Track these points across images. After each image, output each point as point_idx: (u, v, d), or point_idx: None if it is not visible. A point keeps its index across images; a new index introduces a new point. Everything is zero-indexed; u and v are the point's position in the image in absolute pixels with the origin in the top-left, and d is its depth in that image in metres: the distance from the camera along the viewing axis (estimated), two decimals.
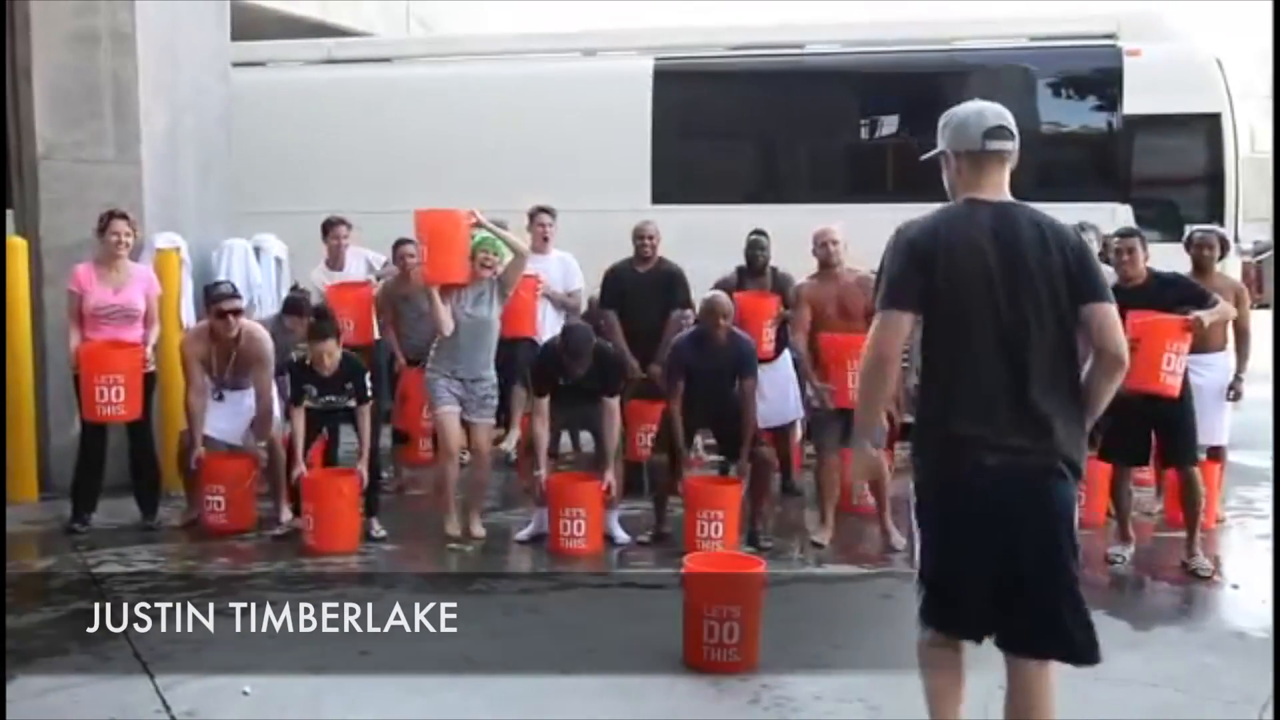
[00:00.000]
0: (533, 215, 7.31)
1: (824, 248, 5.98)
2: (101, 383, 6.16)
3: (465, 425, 6.39)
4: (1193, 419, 5.70)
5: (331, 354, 6.16)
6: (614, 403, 6.17)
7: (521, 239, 6.80)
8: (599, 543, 6.07)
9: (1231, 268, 9.48)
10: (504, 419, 7.25)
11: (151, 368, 6.46)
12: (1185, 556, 5.73)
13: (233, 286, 6.57)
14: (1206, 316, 5.48)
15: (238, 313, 6.36)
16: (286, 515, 6.45)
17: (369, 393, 6.28)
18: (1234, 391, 6.39)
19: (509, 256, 6.27)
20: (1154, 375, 5.43)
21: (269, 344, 6.45)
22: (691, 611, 4.39)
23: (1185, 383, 5.58)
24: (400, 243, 7.43)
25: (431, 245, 6.04)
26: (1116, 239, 5.81)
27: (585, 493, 6.04)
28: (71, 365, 6.35)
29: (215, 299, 6.36)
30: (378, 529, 6.31)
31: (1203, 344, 5.89)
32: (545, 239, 7.24)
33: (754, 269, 7.20)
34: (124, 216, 6.41)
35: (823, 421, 6.18)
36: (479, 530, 6.32)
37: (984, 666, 4.33)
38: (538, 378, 6.19)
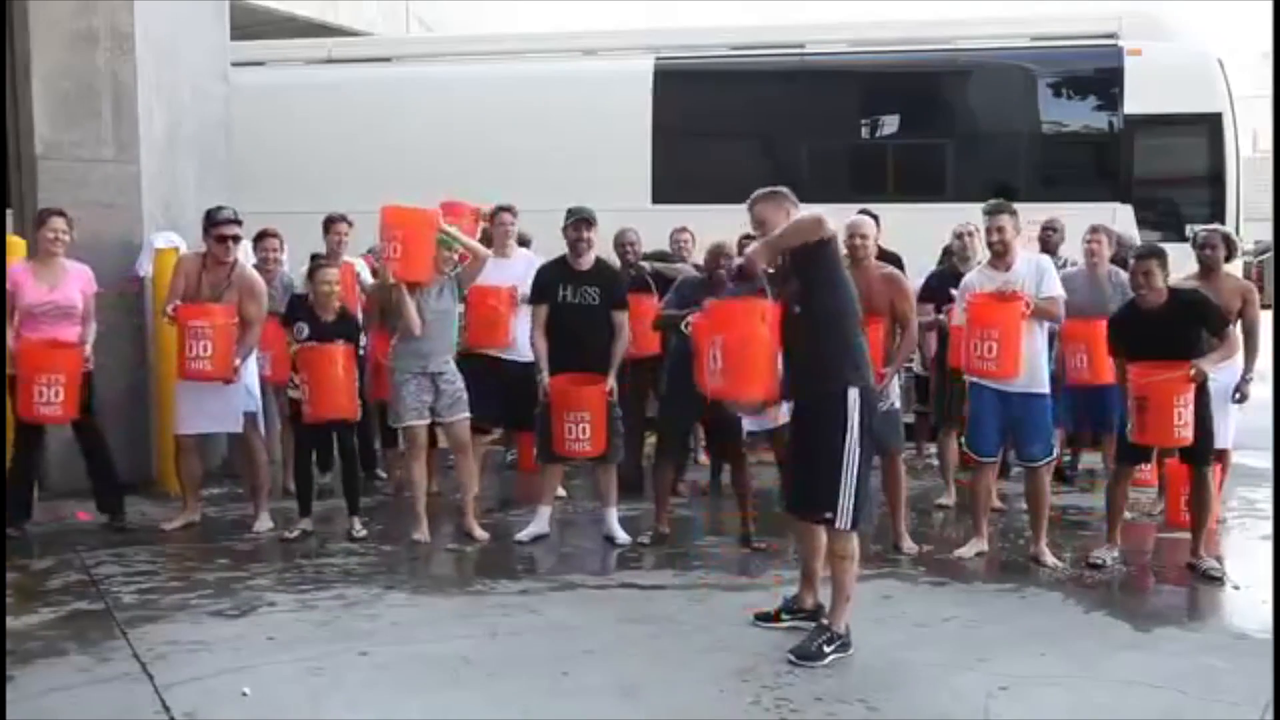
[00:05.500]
0: (493, 214, 7.18)
1: (852, 239, 5.95)
2: (41, 382, 6.05)
3: (438, 427, 6.38)
4: (1211, 419, 5.66)
5: (333, 286, 6.25)
6: (622, 317, 6.20)
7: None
8: (602, 444, 6.08)
9: (1232, 269, 9.49)
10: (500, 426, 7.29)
11: (89, 367, 6.33)
12: (1192, 557, 5.72)
13: (234, 212, 6.47)
14: (1208, 365, 5.44)
15: (237, 239, 6.37)
16: (265, 523, 6.42)
17: (361, 342, 6.39)
18: (1239, 394, 6.34)
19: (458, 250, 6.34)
20: (1168, 433, 5.50)
21: (261, 283, 6.48)
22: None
23: (1203, 384, 5.54)
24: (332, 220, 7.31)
25: (407, 243, 6.02)
26: (1133, 260, 5.67)
27: (589, 396, 6.05)
28: (9, 365, 6.17)
29: (215, 223, 6.32)
30: (358, 528, 6.32)
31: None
32: (508, 237, 7.11)
33: (746, 271, 7.15)
34: (61, 214, 6.31)
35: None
36: (479, 533, 6.32)
37: (984, 666, 4.35)
38: (539, 285, 6.24)
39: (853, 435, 4.36)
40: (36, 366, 6.09)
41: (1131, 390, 5.55)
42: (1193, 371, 5.38)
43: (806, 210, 4.49)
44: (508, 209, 7.12)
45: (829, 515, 4.41)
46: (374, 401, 7.21)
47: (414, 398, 6.19)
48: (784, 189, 4.59)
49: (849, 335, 4.46)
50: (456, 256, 6.35)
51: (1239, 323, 6.24)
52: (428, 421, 6.27)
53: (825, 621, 4.51)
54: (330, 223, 7.58)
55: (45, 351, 6.15)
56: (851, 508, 4.38)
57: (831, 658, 4.39)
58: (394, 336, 6.30)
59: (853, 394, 4.37)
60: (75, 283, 6.34)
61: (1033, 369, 5.72)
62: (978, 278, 5.93)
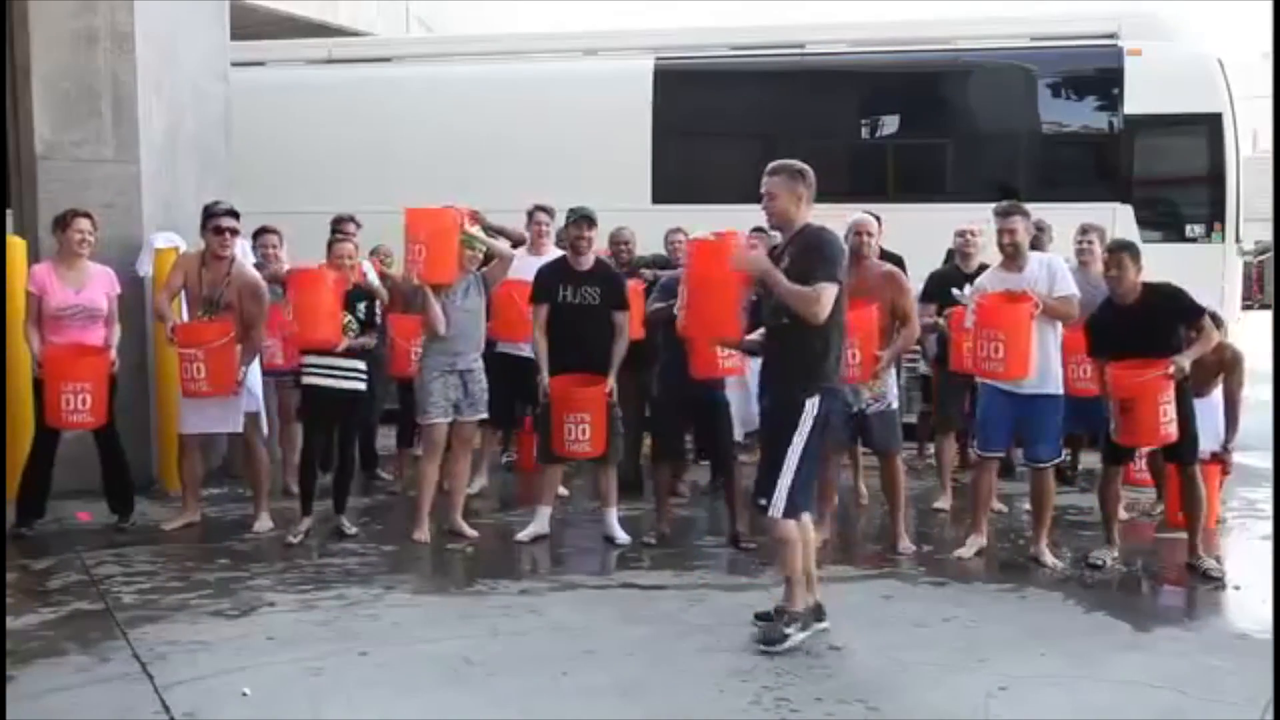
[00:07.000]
0: (530, 214, 7.30)
1: (857, 236, 5.94)
2: (68, 390, 6.03)
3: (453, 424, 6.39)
4: (1193, 419, 5.68)
5: (345, 260, 6.24)
6: (622, 318, 6.21)
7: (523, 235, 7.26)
8: (602, 445, 6.08)
9: (1232, 270, 9.50)
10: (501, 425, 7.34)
11: (114, 370, 6.30)
12: (1190, 557, 5.72)
13: (231, 206, 6.46)
14: (1186, 360, 5.44)
15: (234, 232, 6.35)
16: (265, 523, 6.40)
17: (377, 319, 6.39)
18: (1224, 466, 6.38)
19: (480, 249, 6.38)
20: (1153, 432, 5.52)
21: (262, 282, 6.46)
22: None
23: (1183, 382, 5.56)
24: (261, 231, 7.24)
25: (431, 245, 6.04)
26: (1105, 253, 5.72)
27: (589, 397, 6.05)
28: (35, 369, 6.19)
29: (213, 214, 6.31)
30: (348, 526, 6.34)
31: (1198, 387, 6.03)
32: (541, 236, 7.23)
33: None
34: (87, 215, 6.30)
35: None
36: (468, 530, 6.33)
37: (984, 666, 4.35)
38: (539, 285, 6.24)
39: (801, 435, 4.48)
40: (65, 375, 6.06)
41: (1113, 393, 5.54)
42: (1172, 369, 5.39)
43: (820, 209, 4.63)
44: (545, 209, 7.29)
45: (763, 502, 4.52)
46: (390, 376, 7.28)
47: (441, 395, 6.19)
48: (808, 172, 4.61)
49: (826, 351, 4.52)
50: (481, 255, 6.36)
51: (1219, 387, 6.39)
52: (450, 419, 6.26)
53: (783, 604, 4.60)
54: (338, 222, 7.60)
55: (73, 360, 6.13)
56: (786, 497, 4.48)
57: (796, 637, 4.48)
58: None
59: (810, 403, 4.48)
60: (100, 285, 6.34)
61: (1044, 369, 5.68)
62: (990, 279, 5.92)
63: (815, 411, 4.49)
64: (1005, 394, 5.75)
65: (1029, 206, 6.06)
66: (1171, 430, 5.48)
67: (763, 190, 4.61)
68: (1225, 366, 6.48)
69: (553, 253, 7.04)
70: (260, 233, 7.20)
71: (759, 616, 4.82)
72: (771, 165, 4.66)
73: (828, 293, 4.38)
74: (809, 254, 4.44)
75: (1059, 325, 5.78)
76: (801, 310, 4.39)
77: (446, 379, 6.20)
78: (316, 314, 6.09)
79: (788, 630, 4.50)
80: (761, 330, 4.74)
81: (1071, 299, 5.73)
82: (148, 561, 5.82)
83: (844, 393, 5.94)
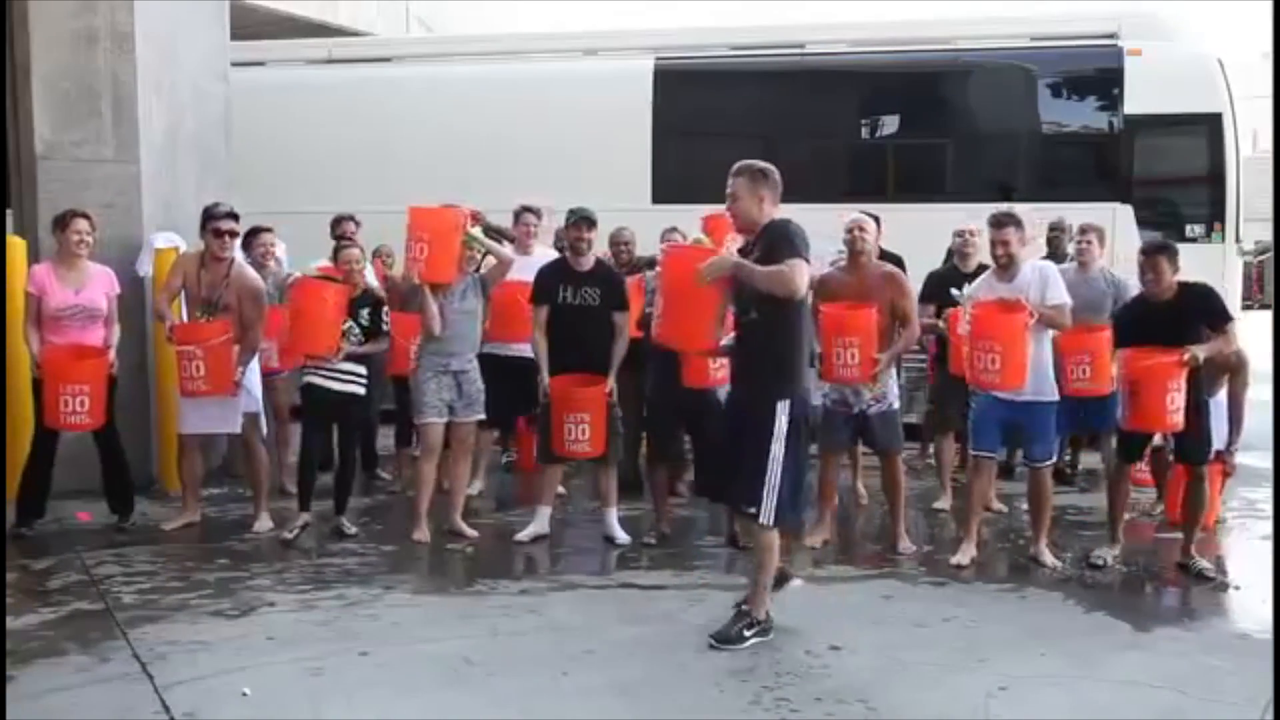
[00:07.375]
0: (518, 214, 7.29)
1: (850, 233, 5.95)
2: (67, 392, 6.02)
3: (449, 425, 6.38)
4: (1207, 418, 5.68)
5: (355, 265, 6.32)
6: (622, 319, 6.22)
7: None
8: (602, 445, 6.09)
9: (1232, 270, 9.51)
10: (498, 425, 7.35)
11: (113, 371, 6.28)
12: (1183, 557, 5.73)
13: (231, 208, 6.46)
14: (1201, 352, 5.43)
15: (234, 234, 6.35)
16: (265, 523, 6.40)
17: (385, 327, 6.39)
18: (1225, 467, 6.40)
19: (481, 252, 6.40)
20: (1161, 418, 5.50)
21: (260, 283, 6.46)
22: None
23: (1198, 385, 5.55)
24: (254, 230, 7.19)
25: (433, 245, 6.05)
26: (1141, 255, 5.70)
27: (589, 397, 6.05)
28: (35, 369, 6.18)
29: (213, 216, 6.31)
30: (348, 527, 6.34)
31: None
32: (530, 237, 7.22)
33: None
34: (85, 215, 6.29)
35: (831, 422, 6.15)
36: (468, 530, 6.34)
37: (984, 666, 4.35)
38: (539, 285, 6.25)
39: (779, 441, 4.47)
40: (62, 377, 6.05)
41: (1124, 375, 5.55)
42: (1186, 356, 5.38)
43: (786, 209, 4.62)
44: (533, 210, 7.28)
45: (752, 510, 4.52)
46: (388, 377, 7.29)
47: (435, 395, 6.20)
48: (771, 172, 4.62)
49: (793, 346, 4.52)
50: (480, 256, 6.37)
51: (1224, 388, 6.38)
52: (445, 420, 6.27)
53: (746, 608, 4.60)
54: (338, 222, 7.60)
55: (71, 362, 6.12)
56: (775, 505, 4.48)
57: (752, 641, 4.51)
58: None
59: (782, 405, 4.47)
60: (99, 285, 6.32)
61: (1039, 377, 5.67)
62: (983, 287, 5.92)
63: (788, 417, 4.47)
64: (1003, 401, 5.74)
65: (1029, 207, 6.07)
66: (1178, 419, 5.46)
67: (727, 191, 4.61)
68: (1231, 368, 6.48)
69: (540, 253, 7.04)
70: (254, 233, 7.18)
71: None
72: (735, 166, 4.66)
73: (799, 267, 4.36)
74: (775, 244, 4.44)
75: (1051, 332, 5.77)
76: (779, 290, 4.36)
77: (440, 379, 6.21)
78: (314, 327, 6.13)
79: (747, 634, 4.52)
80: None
81: (1063, 308, 5.71)
82: (148, 561, 5.82)
83: (845, 391, 5.95)
